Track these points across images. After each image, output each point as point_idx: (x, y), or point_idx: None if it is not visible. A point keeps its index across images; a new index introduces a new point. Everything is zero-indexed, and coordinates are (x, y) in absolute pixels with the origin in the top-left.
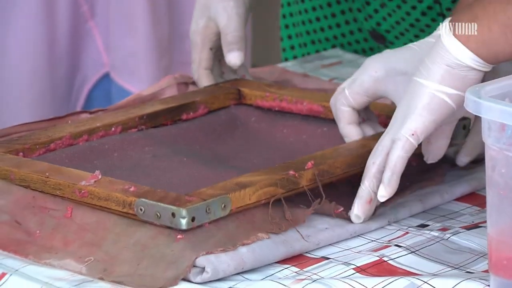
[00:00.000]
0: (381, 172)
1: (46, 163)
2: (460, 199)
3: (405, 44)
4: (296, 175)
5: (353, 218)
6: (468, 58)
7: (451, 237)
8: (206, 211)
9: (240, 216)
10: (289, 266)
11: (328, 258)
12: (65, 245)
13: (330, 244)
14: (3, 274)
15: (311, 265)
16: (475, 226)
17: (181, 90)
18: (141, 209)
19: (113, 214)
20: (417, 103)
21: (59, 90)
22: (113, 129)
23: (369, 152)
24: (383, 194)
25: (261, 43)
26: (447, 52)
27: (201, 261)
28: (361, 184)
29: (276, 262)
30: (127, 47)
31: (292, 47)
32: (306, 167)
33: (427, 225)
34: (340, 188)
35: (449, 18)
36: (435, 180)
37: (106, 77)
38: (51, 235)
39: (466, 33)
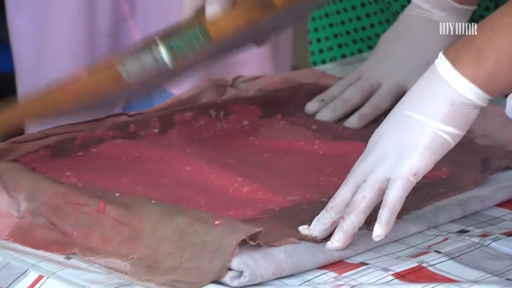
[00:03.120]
0: (370, 208)
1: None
2: (501, 205)
3: None
4: None
5: (330, 248)
6: (476, 95)
7: (491, 243)
8: (186, 43)
9: (274, 220)
10: (327, 271)
11: (366, 264)
12: (104, 244)
13: (368, 250)
14: (40, 277)
15: (350, 270)
16: None
17: (220, 93)
18: (126, 72)
19: (146, 205)
20: (417, 141)
21: None
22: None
23: None
24: (380, 233)
25: (301, 45)
26: (452, 90)
27: (239, 265)
28: (345, 216)
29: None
30: None
31: (321, 51)
32: None
33: (467, 231)
34: None
35: (441, 54)
36: (468, 187)
37: None
38: (88, 234)
39: (471, 69)
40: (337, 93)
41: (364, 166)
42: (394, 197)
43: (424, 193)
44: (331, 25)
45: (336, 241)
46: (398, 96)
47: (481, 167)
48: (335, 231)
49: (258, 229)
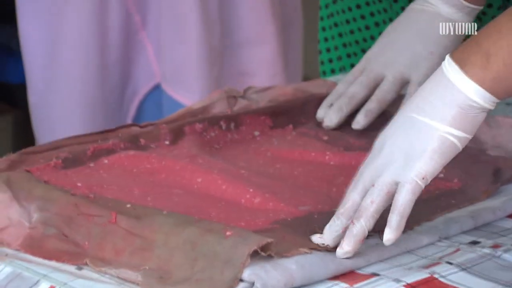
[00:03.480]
0: (379, 212)
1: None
2: None
3: None
4: None
5: (341, 254)
6: (483, 98)
7: (503, 254)
8: None
9: (285, 230)
10: (339, 282)
11: (378, 275)
12: (116, 255)
13: (380, 260)
14: None
15: (361, 281)
16: None
17: (231, 104)
18: None
19: (158, 216)
20: (425, 145)
21: (110, 100)
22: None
23: None
24: (390, 237)
25: (312, 55)
26: (460, 93)
27: (250, 276)
28: (354, 221)
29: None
30: (178, 56)
31: (330, 60)
32: None
33: (479, 242)
34: None
35: (449, 57)
36: (479, 198)
37: (157, 88)
38: (100, 245)
39: (479, 72)
40: (342, 91)
41: (372, 169)
42: (404, 201)
43: (436, 204)
44: (340, 35)
45: (346, 246)
46: (402, 86)
47: (492, 178)
48: (345, 236)
49: (269, 240)
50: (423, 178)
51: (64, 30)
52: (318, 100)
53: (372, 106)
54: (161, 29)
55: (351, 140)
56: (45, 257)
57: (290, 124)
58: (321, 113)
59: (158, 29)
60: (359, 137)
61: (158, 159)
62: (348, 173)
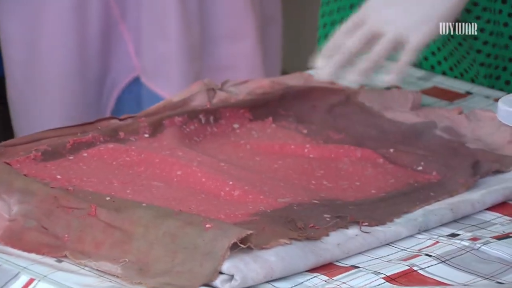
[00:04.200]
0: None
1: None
2: (491, 208)
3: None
4: None
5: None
6: None
7: (482, 247)
8: None
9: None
10: (318, 274)
11: (357, 267)
12: (96, 248)
13: (359, 253)
14: (31, 280)
15: (341, 273)
16: (506, 236)
17: (210, 96)
18: None
19: (137, 208)
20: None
21: (89, 93)
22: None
23: None
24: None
25: (291, 50)
26: None
27: (229, 269)
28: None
29: (305, 270)
30: (158, 50)
31: None
32: None
33: (458, 235)
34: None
35: None
36: (458, 191)
37: (136, 80)
38: (80, 237)
39: None
40: (339, 43)
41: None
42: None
43: (415, 197)
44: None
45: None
46: (397, 47)
47: (471, 171)
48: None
49: (249, 232)
50: None
51: (43, 23)
52: (296, 92)
53: (365, 66)
54: (141, 22)
55: (330, 133)
56: (25, 250)
57: (270, 116)
58: (319, 62)
59: (137, 22)
60: (338, 130)
61: (138, 151)
62: (327, 166)
